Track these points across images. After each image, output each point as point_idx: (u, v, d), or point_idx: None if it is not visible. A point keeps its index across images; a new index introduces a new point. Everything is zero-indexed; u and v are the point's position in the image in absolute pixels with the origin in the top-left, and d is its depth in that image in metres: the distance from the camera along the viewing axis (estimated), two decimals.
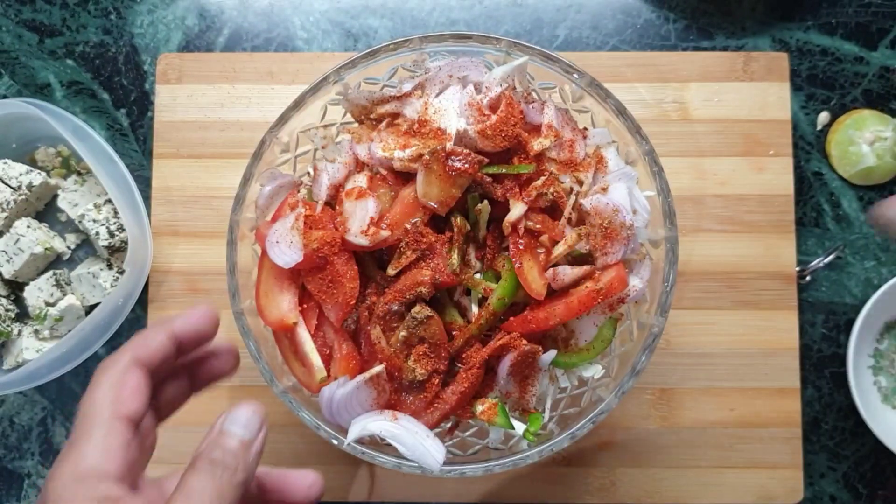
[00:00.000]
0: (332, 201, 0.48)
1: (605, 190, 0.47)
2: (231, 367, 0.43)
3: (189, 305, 0.62)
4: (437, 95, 0.48)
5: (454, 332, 0.46)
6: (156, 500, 0.36)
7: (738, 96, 0.63)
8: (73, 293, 0.62)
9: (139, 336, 0.40)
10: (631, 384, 0.47)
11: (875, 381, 0.63)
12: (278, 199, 0.50)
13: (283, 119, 0.47)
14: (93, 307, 0.62)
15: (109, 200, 0.62)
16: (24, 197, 0.61)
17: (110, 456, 0.34)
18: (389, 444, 0.46)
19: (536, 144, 0.47)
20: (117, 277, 0.61)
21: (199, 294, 0.62)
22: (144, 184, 0.63)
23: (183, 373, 0.42)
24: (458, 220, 0.45)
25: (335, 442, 0.44)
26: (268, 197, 0.49)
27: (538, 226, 0.46)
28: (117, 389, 0.37)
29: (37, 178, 0.62)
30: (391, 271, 0.45)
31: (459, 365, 0.46)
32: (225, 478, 0.35)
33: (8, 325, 0.62)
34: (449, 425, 0.50)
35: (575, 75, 0.48)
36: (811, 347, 0.63)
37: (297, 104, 0.47)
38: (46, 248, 0.61)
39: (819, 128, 0.64)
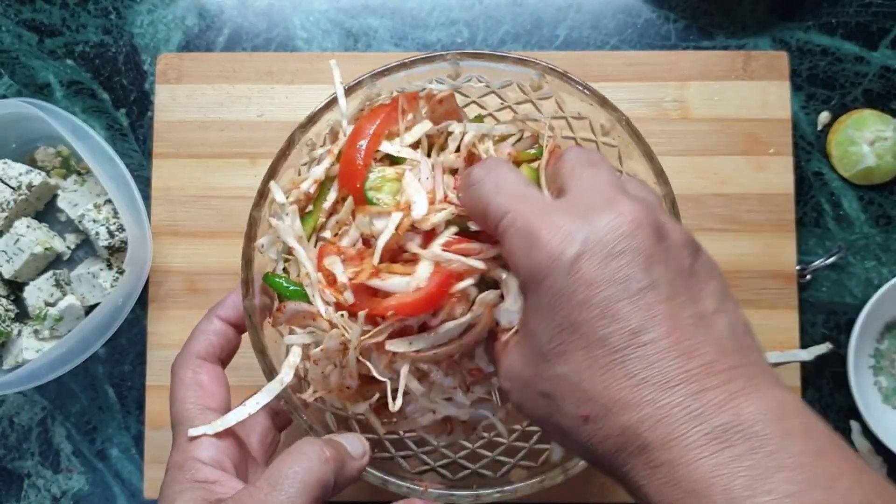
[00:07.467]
0: None
1: None
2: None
3: (189, 305, 0.62)
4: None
5: None
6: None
7: (739, 95, 0.63)
8: (72, 293, 0.62)
9: (196, 331, 0.44)
10: None
11: (875, 381, 0.63)
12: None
13: (311, 120, 0.45)
14: (93, 307, 0.62)
15: (109, 200, 0.62)
16: (23, 197, 0.61)
17: (203, 445, 0.39)
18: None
19: None
20: (117, 277, 0.61)
21: (199, 294, 0.62)
22: (144, 184, 0.63)
23: None
24: None
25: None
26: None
27: None
28: (195, 388, 0.41)
29: (37, 177, 0.62)
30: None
31: None
32: (328, 471, 0.37)
33: (8, 325, 0.62)
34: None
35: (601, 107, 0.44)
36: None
37: (328, 105, 0.45)
38: (46, 248, 0.61)
39: (820, 128, 0.64)
